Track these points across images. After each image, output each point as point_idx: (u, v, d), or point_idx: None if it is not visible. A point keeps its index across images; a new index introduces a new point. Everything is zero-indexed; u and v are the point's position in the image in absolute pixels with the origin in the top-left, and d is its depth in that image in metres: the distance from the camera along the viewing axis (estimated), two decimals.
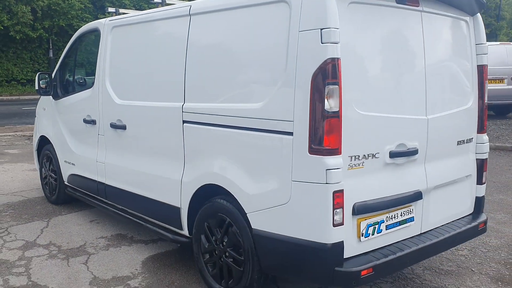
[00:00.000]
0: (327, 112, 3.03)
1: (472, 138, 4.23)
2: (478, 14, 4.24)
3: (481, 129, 4.28)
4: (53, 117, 6.36)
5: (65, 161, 6.13)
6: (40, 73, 6.25)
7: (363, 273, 3.21)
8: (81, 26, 6.30)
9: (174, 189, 4.21)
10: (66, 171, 6.14)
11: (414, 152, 3.58)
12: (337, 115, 3.05)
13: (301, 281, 3.98)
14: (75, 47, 6.06)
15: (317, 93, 3.03)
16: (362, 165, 3.28)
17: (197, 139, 4.01)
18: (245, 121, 3.53)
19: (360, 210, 3.27)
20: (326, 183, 3.06)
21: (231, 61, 3.72)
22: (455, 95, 4.04)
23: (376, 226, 3.41)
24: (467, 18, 4.15)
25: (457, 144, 4.05)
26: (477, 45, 4.21)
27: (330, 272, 3.16)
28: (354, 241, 3.28)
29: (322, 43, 3.00)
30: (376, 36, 3.39)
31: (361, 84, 3.26)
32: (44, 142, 6.70)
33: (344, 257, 3.23)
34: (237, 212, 3.64)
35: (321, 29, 3.01)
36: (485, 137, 4.32)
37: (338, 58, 3.02)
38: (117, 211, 5.19)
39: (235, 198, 3.63)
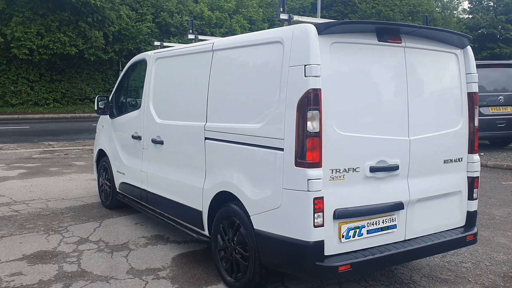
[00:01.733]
0: (309, 132, 3.70)
1: (462, 157, 4.71)
2: (468, 46, 4.76)
3: (472, 150, 4.75)
4: (109, 133, 7.43)
5: (117, 171, 7.13)
6: (99, 96, 7.37)
7: (340, 268, 3.81)
8: (148, 50, 7.32)
9: (198, 195, 5.00)
10: (118, 180, 7.13)
11: (394, 168, 4.15)
12: (318, 135, 3.72)
13: (292, 273, 4.57)
14: (128, 74, 7.12)
15: (301, 117, 3.72)
16: (343, 177, 3.90)
17: (215, 153, 4.80)
18: (249, 139, 4.27)
19: (340, 215, 3.88)
20: (308, 191, 3.72)
21: (240, 88, 4.50)
22: (442, 119, 4.56)
23: (357, 230, 4.00)
24: (457, 51, 4.67)
25: (444, 163, 4.55)
26: (467, 74, 4.72)
27: (312, 266, 3.79)
28: (335, 241, 3.89)
29: (305, 76, 3.70)
30: (358, 69, 4.03)
31: (342, 109, 3.90)
32: (102, 155, 7.78)
33: (326, 254, 3.85)
34: (244, 214, 4.35)
35: (305, 65, 3.71)
36: (476, 157, 4.78)
37: (318, 89, 3.70)
38: (156, 214, 6.07)
39: (242, 203, 4.36)
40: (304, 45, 3.75)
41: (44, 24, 25.20)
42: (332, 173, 3.85)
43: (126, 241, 6.05)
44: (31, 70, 27.34)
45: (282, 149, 3.91)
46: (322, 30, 3.78)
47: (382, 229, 4.16)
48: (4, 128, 16.69)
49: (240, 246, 4.47)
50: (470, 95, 4.72)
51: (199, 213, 5.02)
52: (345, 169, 3.91)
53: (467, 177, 4.78)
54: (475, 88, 4.74)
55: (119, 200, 7.24)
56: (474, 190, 4.80)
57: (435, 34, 4.46)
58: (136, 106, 6.79)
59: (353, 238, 3.99)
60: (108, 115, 7.40)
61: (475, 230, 4.78)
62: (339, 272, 3.83)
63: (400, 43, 4.22)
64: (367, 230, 4.07)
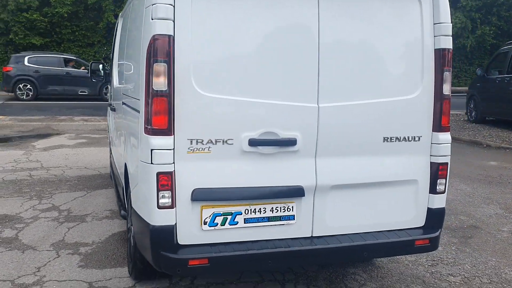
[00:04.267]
0: (155, 91, 2.96)
1: (420, 136, 3.55)
2: None
3: (438, 127, 3.56)
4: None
5: (110, 142, 6.91)
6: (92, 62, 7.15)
7: (192, 262, 3.05)
8: None
9: (122, 166, 4.52)
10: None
11: (290, 142, 3.21)
12: (165, 94, 2.96)
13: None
14: (116, 27, 6.79)
15: (148, 72, 2.99)
16: (209, 150, 3.09)
17: (121, 118, 4.24)
18: (127, 100, 3.65)
19: (201, 196, 3.10)
20: (151, 163, 3.00)
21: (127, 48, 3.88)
22: (383, 83, 3.44)
23: (228, 217, 3.17)
24: None
25: (384, 141, 3.45)
26: (435, 25, 3.50)
27: (156, 255, 3.09)
28: (195, 228, 3.12)
29: (152, 19, 2.95)
30: (237, 11, 3.10)
31: (209, 64, 3.06)
32: None
33: (181, 243, 3.11)
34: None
35: (152, 5, 2.95)
36: (444, 136, 3.57)
37: (168, 36, 2.93)
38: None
39: (128, 177, 3.77)
40: None
41: None
42: (192, 144, 3.06)
43: (88, 213, 5.78)
44: None
45: (139, 112, 3.22)
46: None
47: (270, 219, 3.27)
48: (100, 103, 17.75)
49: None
50: (439, 53, 3.49)
51: (122, 187, 4.52)
52: (210, 140, 3.09)
53: (430, 162, 3.59)
54: (446, 43, 3.50)
55: None
56: (439, 180, 3.60)
57: None
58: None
59: (222, 227, 3.17)
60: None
61: (434, 234, 3.60)
62: (189, 266, 3.06)
63: None
64: (244, 219, 3.21)
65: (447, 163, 3.59)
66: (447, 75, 3.51)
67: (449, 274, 4.33)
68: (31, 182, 7.28)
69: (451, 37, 3.52)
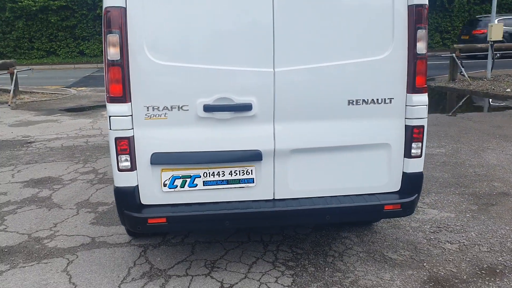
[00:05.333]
0: (109, 61, 3.14)
1: (391, 98, 3.42)
2: None
3: (412, 88, 3.40)
4: None
5: None
6: None
7: (150, 221, 3.27)
8: None
9: None
10: None
11: (245, 107, 3.26)
12: (119, 63, 3.12)
13: None
14: None
15: (104, 42, 3.18)
16: (165, 116, 3.24)
17: None
18: None
19: (160, 160, 3.27)
20: (110, 129, 3.22)
21: None
22: (348, 43, 3.32)
23: (187, 179, 3.33)
24: None
25: (349, 104, 3.37)
26: None
27: (121, 213, 3.34)
28: (156, 190, 3.32)
29: None
30: None
31: (161, 32, 3.16)
32: None
33: (144, 203, 3.33)
34: None
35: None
36: (419, 98, 3.42)
37: (118, 7, 3.07)
38: None
39: None
40: None
41: None
42: (148, 110, 3.23)
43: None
44: None
45: None
46: None
47: (229, 182, 3.37)
48: None
49: None
50: (412, 10, 3.30)
51: None
52: (166, 106, 3.23)
53: (405, 125, 3.46)
54: None
55: None
56: (414, 144, 3.46)
57: None
58: None
59: (182, 189, 3.34)
60: None
61: (407, 199, 3.49)
62: (148, 224, 3.28)
63: None
64: (203, 181, 3.35)
65: (422, 126, 3.42)
66: (422, 33, 3.31)
67: (447, 241, 4.15)
68: (85, 148, 7.94)
69: None
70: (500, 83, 13.67)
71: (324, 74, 3.29)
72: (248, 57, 3.23)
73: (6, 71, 14.44)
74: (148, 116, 3.23)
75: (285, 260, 3.85)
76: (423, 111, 3.41)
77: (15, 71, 14.23)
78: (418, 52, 3.32)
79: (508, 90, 12.46)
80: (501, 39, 13.81)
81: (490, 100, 12.18)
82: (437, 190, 5.46)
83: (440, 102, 12.66)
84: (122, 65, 3.12)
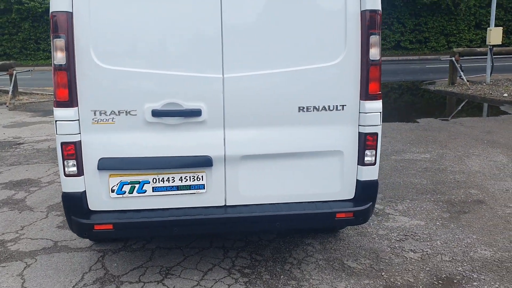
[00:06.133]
0: (56, 65, 3.13)
1: (344, 105, 3.37)
2: None
3: (365, 95, 3.35)
4: None
5: None
6: None
7: (97, 227, 3.25)
8: None
9: None
10: None
11: (194, 113, 3.23)
12: (64, 68, 3.11)
13: None
14: None
15: (52, 47, 3.17)
16: (112, 120, 3.22)
17: None
18: None
19: (107, 165, 3.25)
20: (56, 134, 3.21)
21: None
22: (300, 49, 3.28)
23: (136, 185, 3.31)
24: None
25: (300, 111, 3.33)
26: None
27: (69, 219, 3.32)
28: (104, 196, 3.30)
29: None
30: None
31: (110, 37, 3.15)
32: None
33: (93, 209, 3.32)
34: None
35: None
36: (372, 104, 3.36)
37: (64, 12, 3.06)
38: None
39: None
40: None
41: None
42: (95, 115, 3.21)
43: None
44: None
45: None
46: None
47: (179, 188, 3.34)
48: None
49: None
50: (365, 15, 3.26)
51: None
52: (113, 111, 3.21)
53: (358, 133, 3.41)
54: (374, 5, 3.24)
55: None
56: (368, 151, 3.41)
57: None
58: None
59: (130, 195, 3.32)
60: None
61: (360, 207, 3.45)
62: (95, 231, 3.26)
63: None
64: (152, 187, 3.32)
65: (376, 133, 3.37)
66: (375, 39, 3.26)
67: (411, 250, 4.09)
68: None
69: None
70: (499, 87, 13.51)
71: (274, 80, 3.26)
72: (197, 63, 3.20)
73: (5, 73, 14.58)
74: (95, 120, 3.21)
75: (242, 267, 3.81)
76: (377, 118, 3.36)
77: (15, 72, 14.36)
78: (371, 59, 3.28)
79: (505, 95, 12.31)
80: (501, 43, 13.64)
81: (486, 104, 12.04)
82: (412, 197, 5.39)
83: (436, 107, 12.55)
84: (68, 69, 3.11)
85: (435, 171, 6.32)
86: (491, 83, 14.17)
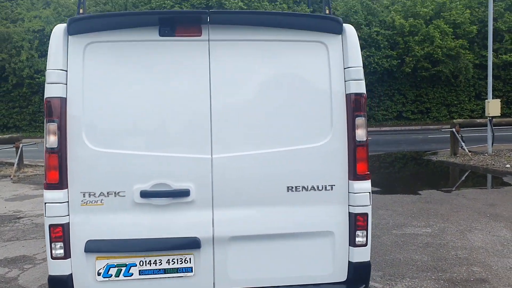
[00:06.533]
0: (47, 149, 3.20)
1: (333, 185, 3.38)
2: (349, 31, 3.42)
3: (353, 175, 3.37)
4: None
5: None
6: None
7: None
8: None
9: None
10: None
11: (182, 193, 3.24)
12: (56, 151, 3.18)
13: None
14: None
15: (45, 130, 3.25)
16: (101, 202, 3.24)
17: None
18: None
19: (94, 248, 3.23)
20: (45, 216, 3.22)
21: None
22: (287, 131, 3.35)
23: (123, 268, 3.26)
24: (327, 39, 3.39)
25: (289, 191, 3.34)
26: (346, 69, 3.39)
27: None
28: (90, 279, 3.25)
29: (46, 83, 3.23)
30: (127, 72, 3.27)
31: (101, 121, 3.24)
32: None
33: None
34: None
35: (47, 70, 3.24)
36: (361, 185, 3.37)
37: (57, 98, 3.17)
38: None
39: None
40: (49, 48, 3.28)
41: None
42: (85, 196, 3.23)
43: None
44: None
45: None
46: (72, 28, 3.24)
47: (166, 271, 3.28)
48: None
49: None
50: (350, 98, 3.35)
51: None
52: (102, 192, 3.24)
53: (349, 213, 3.39)
54: (358, 88, 3.34)
55: None
56: (359, 232, 3.37)
57: (268, 19, 3.34)
58: None
59: (117, 278, 3.26)
60: None
61: None
62: None
63: (200, 35, 3.29)
64: (139, 270, 3.27)
65: (366, 214, 3.35)
66: (361, 121, 3.33)
67: None
68: None
69: (363, 81, 3.35)
70: (501, 158, 13.52)
71: (263, 160, 3.29)
72: (186, 144, 3.26)
73: (12, 145, 14.85)
74: (84, 202, 3.23)
75: None
76: (366, 198, 3.35)
77: (21, 145, 14.62)
78: (357, 140, 3.32)
79: (508, 165, 12.29)
80: (499, 114, 13.81)
81: (489, 175, 11.99)
82: (413, 274, 5.25)
83: (438, 178, 12.51)
84: (60, 153, 3.17)
85: (437, 247, 6.19)
86: (493, 153, 14.20)
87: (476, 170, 12.76)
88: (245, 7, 24.45)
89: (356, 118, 3.31)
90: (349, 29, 3.38)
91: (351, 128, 3.32)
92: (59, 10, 27.42)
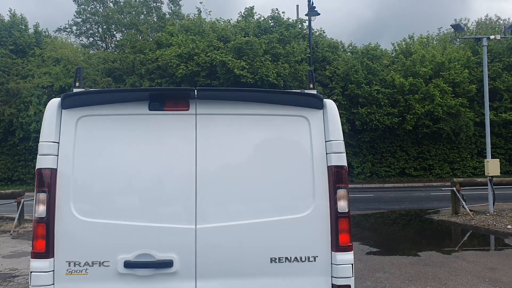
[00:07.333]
0: (36, 218, 3.29)
1: (315, 256, 3.42)
2: (330, 105, 3.57)
3: (336, 247, 3.41)
4: None
5: None
6: None
7: None
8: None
9: None
10: None
11: (166, 264, 3.29)
12: (45, 221, 3.27)
13: None
14: None
15: (34, 200, 3.35)
16: (86, 271, 3.29)
17: None
18: None
19: None
20: (30, 286, 3.26)
21: None
22: (269, 202, 3.43)
23: None
24: (308, 113, 3.55)
25: (272, 262, 3.38)
26: (327, 142, 3.52)
27: None
28: None
29: (38, 155, 3.37)
30: (116, 145, 3.42)
31: (88, 191, 3.35)
32: None
33: None
34: None
35: (39, 142, 3.38)
36: (343, 256, 3.41)
37: (47, 169, 3.30)
38: None
39: None
40: (43, 120, 3.45)
41: None
42: (70, 266, 3.29)
43: None
44: None
45: None
46: (66, 103, 3.41)
47: None
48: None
49: None
50: (332, 170, 3.45)
51: None
52: (87, 262, 3.29)
53: (332, 284, 3.41)
54: (339, 160, 3.46)
55: None
56: None
57: (251, 96, 3.51)
58: None
59: None
60: None
61: None
62: None
63: (187, 110, 3.45)
64: None
65: (349, 286, 3.36)
66: (342, 193, 3.41)
67: None
68: None
69: (344, 154, 3.46)
70: (503, 218, 13.42)
71: (246, 231, 3.36)
72: (170, 214, 3.34)
73: (14, 200, 14.93)
74: (69, 271, 3.28)
75: None
76: (349, 270, 3.38)
77: (23, 200, 14.69)
78: (339, 211, 3.40)
79: (509, 226, 12.19)
80: (499, 173, 13.83)
81: (490, 236, 11.87)
82: None
83: (439, 238, 12.38)
84: (48, 222, 3.26)
85: None
86: (494, 213, 14.10)
87: (477, 230, 12.64)
88: (247, 67, 25.07)
89: (338, 190, 3.39)
90: (329, 104, 3.54)
91: (333, 200, 3.40)
92: (69, 67, 28.22)
